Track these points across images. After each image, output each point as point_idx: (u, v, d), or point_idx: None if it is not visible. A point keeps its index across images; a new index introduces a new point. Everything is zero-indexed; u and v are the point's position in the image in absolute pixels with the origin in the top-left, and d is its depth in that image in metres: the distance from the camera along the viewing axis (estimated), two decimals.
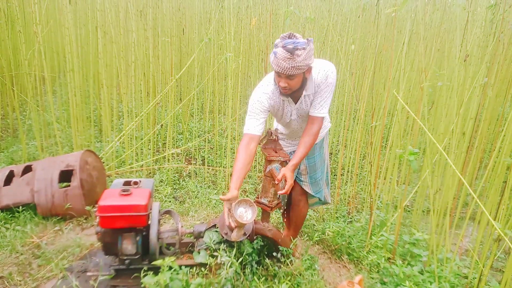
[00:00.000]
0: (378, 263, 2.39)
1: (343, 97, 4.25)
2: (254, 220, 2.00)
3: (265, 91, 2.03)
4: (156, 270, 1.87)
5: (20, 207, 2.68)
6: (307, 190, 2.40)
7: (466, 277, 2.35)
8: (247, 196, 3.48)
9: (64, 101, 4.76)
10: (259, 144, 2.24)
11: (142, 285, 1.82)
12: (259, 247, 2.19)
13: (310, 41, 1.78)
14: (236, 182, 1.89)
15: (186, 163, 4.10)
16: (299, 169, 2.37)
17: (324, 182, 2.46)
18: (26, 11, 4.47)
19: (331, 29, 3.85)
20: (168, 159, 3.88)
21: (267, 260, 2.18)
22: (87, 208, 2.72)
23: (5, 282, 2.07)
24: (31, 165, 2.86)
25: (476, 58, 2.85)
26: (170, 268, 1.85)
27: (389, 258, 2.47)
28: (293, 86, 1.90)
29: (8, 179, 2.78)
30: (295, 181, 2.40)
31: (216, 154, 4.21)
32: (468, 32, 2.82)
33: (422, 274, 2.26)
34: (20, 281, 2.09)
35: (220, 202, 3.24)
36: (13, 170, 2.84)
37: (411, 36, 3.61)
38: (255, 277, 2.04)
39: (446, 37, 3.95)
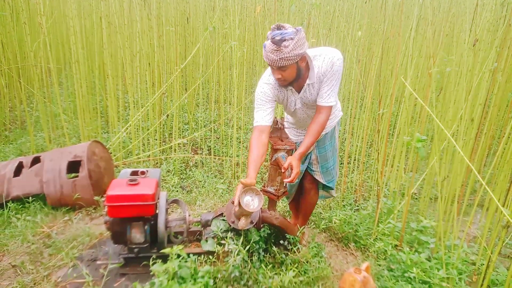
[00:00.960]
0: (385, 250, 2.39)
1: (350, 85, 4.21)
2: (261, 208, 2.02)
3: (267, 81, 2.02)
4: (165, 258, 1.90)
5: (30, 197, 2.72)
6: (319, 180, 2.39)
7: (474, 264, 2.34)
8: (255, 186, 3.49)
9: (71, 92, 4.78)
10: None
11: (151, 273, 1.85)
12: (266, 235, 2.20)
13: (299, 31, 1.76)
14: (253, 172, 1.91)
15: (193, 153, 4.11)
16: (310, 158, 2.36)
17: (336, 172, 2.46)
18: (31, 2, 4.47)
19: (338, 15, 3.79)
20: (175, 149, 3.90)
21: (274, 248, 2.19)
22: (96, 198, 2.75)
23: (18, 271, 2.12)
24: (40, 156, 2.89)
25: (485, 43, 2.79)
26: (179, 256, 1.87)
27: (396, 245, 2.47)
28: (287, 77, 1.88)
29: (18, 170, 2.82)
30: (306, 170, 2.40)
31: (222, 143, 4.22)
32: (477, 16, 2.76)
33: (429, 261, 2.26)
34: (32, 269, 2.13)
35: (226, 191, 3.26)
36: (22, 162, 2.87)
37: (419, 21, 3.54)
38: (262, 265, 2.06)
39: (454, 21, 3.87)
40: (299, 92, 2.05)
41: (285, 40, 1.72)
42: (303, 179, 2.46)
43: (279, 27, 1.76)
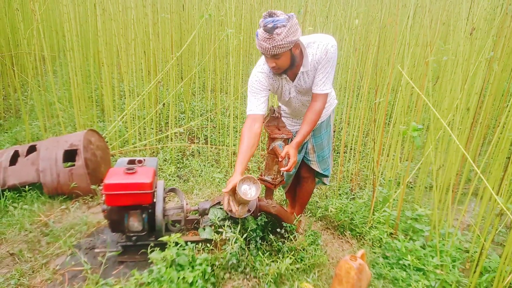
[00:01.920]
0: (381, 238, 2.43)
1: (347, 74, 4.20)
2: (258, 197, 2.03)
3: (262, 70, 2.00)
4: (163, 246, 1.91)
5: (26, 186, 2.71)
6: (316, 169, 2.40)
7: (468, 251, 2.38)
8: (250, 174, 3.50)
9: (65, 80, 4.73)
10: (263, 122, 2.24)
11: (149, 261, 1.87)
12: (263, 224, 2.22)
13: (291, 17, 1.72)
14: (241, 166, 1.91)
15: (189, 142, 4.10)
16: (306, 148, 2.37)
17: (331, 159, 2.47)
18: None
19: (335, 2, 3.76)
20: (171, 138, 3.89)
21: (271, 236, 2.21)
22: (93, 187, 2.75)
23: (16, 259, 2.13)
24: (35, 145, 2.87)
25: (482, 32, 2.79)
26: (176, 244, 1.89)
27: (391, 233, 2.51)
28: (281, 65, 1.86)
29: (13, 159, 2.80)
30: (302, 159, 2.40)
31: (219, 133, 4.21)
32: (475, 5, 2.75)
33: (424, 248, 2.29)
34: (30, 257, 2.14)
35: (223, 180, 3.27)
36: (17, 150, 2.85)
37: (416, 9, 3.52)
38: (259, 252, 2.08)
39: (452, 9, 3.86)
40: (293, 80, 2.03)
41: (277, 27, 1.68)
42: (299, 169, 2.47)
43: (270, 14, 1.72)
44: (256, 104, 2.00)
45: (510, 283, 1.98)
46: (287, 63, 1.87)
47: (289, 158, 1.95)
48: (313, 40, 1.92)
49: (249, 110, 2.02)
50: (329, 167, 2.45)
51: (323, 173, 2.42)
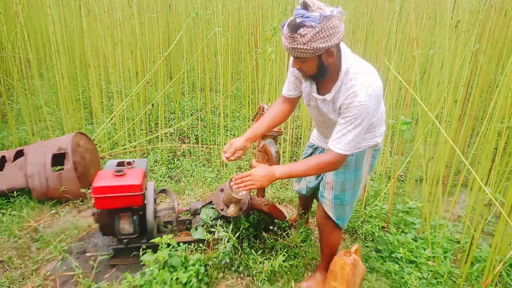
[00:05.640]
0: (373, 232, 2.44)
1: None
2: (250, 195, 2.02)
3: None
4: (155, 248, 1.90)
5: (15, 192, 2.67)
6: (327, 211, 1.87)
7: (459, 242, 2.41)
8: (242, 172, 3.49)
9: (52, 83, 4.66)
10: (253, 120, 2.23)
11: (142, 263, 1.85)
12: (255, 222, 2.22)
13: (327, 18, 1.30)
14: (250, 132, 1.79)
15: (180, 143, 4.08)
16: (324, 179, 1.89)
17: (350, 210, 1.92)
18: None
19: None
20: (161, 139, 3.86)
21: (264, 234, 2.21)
22: (82, 190, 2.71)
23: (6, 266, 2.09)
24: (23, 149, 2.83)
25: (467, 25, 2.81)
26: (169, 245, 1.87)
27: (383, 227, 2.53)
28: (306, 70, 1.50)
29: (0, 165, 2.75)
30: (317, 193, 2.00)
31: (210, 132, 4.19)
32: None
33: (415, 241, 2.32)
34: (20, 264, 2.10)
35: (215, 179, 3.25)
36: (4, 156, 2.80)
37: (403, 3, 3.54)
38: (252, 250, 2.08)
39: (437, 3, 3.89)
40: (318, 92, 1.65)
41: (303, 26, 1.30)
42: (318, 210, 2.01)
43: (305, 5, 1.32)
44: (286, 88, 1.83)
45: (500, 272, 2.01)
46: (312, 71, 1.49)
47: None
48: (355, 72, 1.51)
49: (283, 90, 1.86)
50: (345, 217, 1.89)
51: (335, 220, 1.87)
